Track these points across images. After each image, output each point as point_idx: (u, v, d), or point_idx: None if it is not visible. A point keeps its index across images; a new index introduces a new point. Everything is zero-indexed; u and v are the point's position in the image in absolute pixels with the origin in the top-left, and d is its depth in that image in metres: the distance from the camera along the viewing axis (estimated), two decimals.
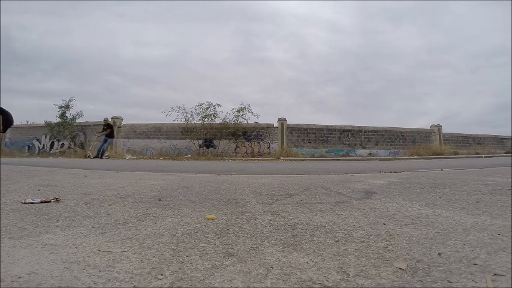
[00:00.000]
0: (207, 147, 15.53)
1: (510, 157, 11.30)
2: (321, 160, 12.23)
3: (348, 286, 0.64)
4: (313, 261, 0.78)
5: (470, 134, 19.74)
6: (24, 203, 1.60)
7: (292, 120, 16.38)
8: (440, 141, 17.63)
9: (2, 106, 4.66)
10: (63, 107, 16.66)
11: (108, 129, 11.93)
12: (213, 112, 15.35)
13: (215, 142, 15.42)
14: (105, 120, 12.47)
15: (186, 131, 15.61)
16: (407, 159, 12.90)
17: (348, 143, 16.30)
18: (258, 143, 15.75)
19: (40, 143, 17.59)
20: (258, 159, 12.61)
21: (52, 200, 1.69)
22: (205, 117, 15.37)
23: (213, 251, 0.87)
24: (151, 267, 0.75)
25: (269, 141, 15.76)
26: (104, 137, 11.92)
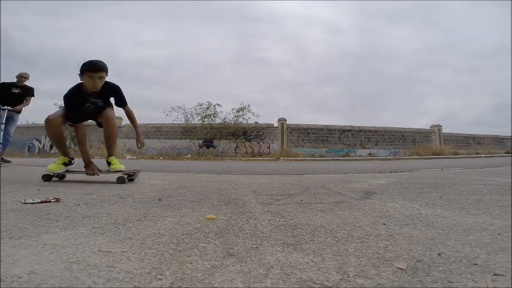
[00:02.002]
0: (207, 147, 15.54)
1: (510, 157, 11.30)
2: (321, 160, 12.23)
3: (348, 286, 0.64)
4: (313, 261, 0.78)
5: (470, 134, 19.74)
6: (24, 203, 1.60)
7: (292, 120, 16.38)
8: (440, 141, 17.64)
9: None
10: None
11: (28, 97, 5.55)
12: (213, 112, 15.40)
13: (215, 142, 15.43)
14: (23, 76, 5.53)
15: (186, 131, 15.62)
16: (408, 159, 12.91)
17: (348, 143, 16.31)
18: (258, 143, 15.76)
19: (40, 143, 17.60)
20: (258, 159, 12.61)
21: (52, 200, 1.69)
22: (205, 117, 15.39)
23: (213, 251, 0.87)
24: (151, 267, 0.75)
25: (269, 141, 15.77)
26: (5, 114, 5.21)
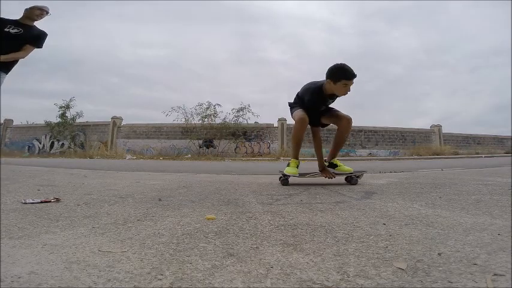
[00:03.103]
0: (207, 147, 15.54)
1: (510, 157, 11.30)
2: None
3: (348, 286, 0.64)
4: (313, 261, 0.78)
5: (470, 134, 19.72)
6: (24, 203, 1.60)
7: (292, 120, 16.35)
8: (440, 141, 17.63)
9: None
10: (64, 107, 16.68)
11: (30, 45, 3.04)
12: (213, 112, 15.42)
13: (215, 142, 15.43)
14: (40, 9, 2.98)
15: (186, 131, 15.62)
16: (408, 159, 12.91)
17: (348, 143, 16.30)
18: (258, 143, 15.76)
19: (40, 143, 17.60)
20: (258, 159, 12.61)
21: (52, 200, 1.69)
22: (205, 117, 15.40)
23: (213, 251, 0.87)
24: (151, 267, 0.75)
25: (269, 141, 15.77)
26: None
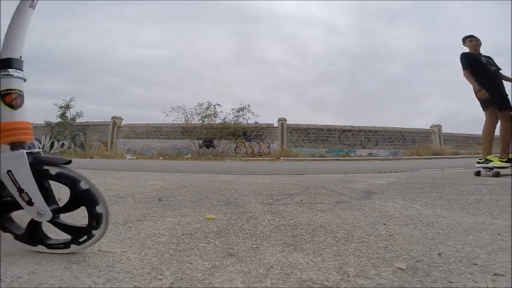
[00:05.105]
0: (207, 147, 15.52)
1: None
2: (321, 160, 12.23)
3: (348, 286, 0.64)
4: (313, 261, 0.78)
5: (470, 134, 19.67)
6: None
7: (292, 120, 16.33)
8: (440, 141, 17.61)
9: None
10: (64, 107, 16.66)
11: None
12: (213, 112, 15.39)
13: (215, 142, 15.42)
14: None
15: (186, 131, 15.60)
16: (408, 159, 12.90)
17: (348, 143, 16.30)
18: (258, 143, 15.74)
19: (40, 143, 17.58)
20: (258, 159, 12.61)
21: None
22: (205, 117, 15.37)
23: (213, 251, 0.87)
24: (151, 267, 0.75)
25: (269, 141, 15.75)
26: None
